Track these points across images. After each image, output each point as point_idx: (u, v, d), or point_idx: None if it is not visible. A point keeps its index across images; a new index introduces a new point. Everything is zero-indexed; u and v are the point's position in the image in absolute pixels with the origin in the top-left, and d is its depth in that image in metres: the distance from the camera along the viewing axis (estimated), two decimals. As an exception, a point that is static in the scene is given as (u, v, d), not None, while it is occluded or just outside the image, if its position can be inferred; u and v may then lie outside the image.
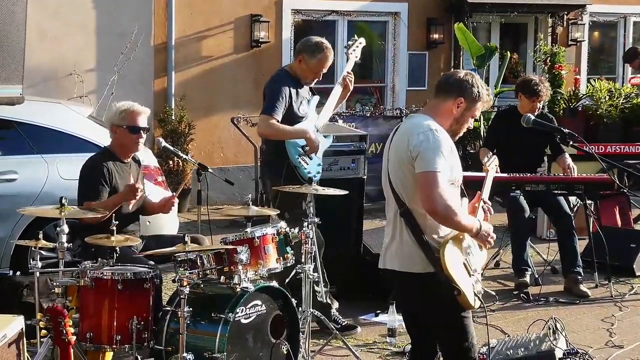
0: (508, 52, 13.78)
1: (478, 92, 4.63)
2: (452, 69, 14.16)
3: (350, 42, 7.48)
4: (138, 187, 6.03)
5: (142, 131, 6.24)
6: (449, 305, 4.52)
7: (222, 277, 5.58)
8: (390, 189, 4.60)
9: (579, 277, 8.19)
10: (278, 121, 6.73)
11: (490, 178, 5.24)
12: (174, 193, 6.52)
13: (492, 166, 5.34)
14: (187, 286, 5.13)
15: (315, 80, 7.07)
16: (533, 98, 8.23)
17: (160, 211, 6.53)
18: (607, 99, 11.91)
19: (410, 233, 4.51)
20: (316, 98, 7.09)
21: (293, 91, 6.85)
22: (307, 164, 6.82)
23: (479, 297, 4.59)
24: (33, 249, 5.44)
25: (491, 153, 5.20)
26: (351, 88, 7.20)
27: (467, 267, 4.58)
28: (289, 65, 7.16)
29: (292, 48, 12.48)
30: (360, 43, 7.47)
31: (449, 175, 4.49)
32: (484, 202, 4.94)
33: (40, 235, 5.50)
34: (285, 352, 5.62)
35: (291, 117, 6.83)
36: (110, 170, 6.13)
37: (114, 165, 6.20)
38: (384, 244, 4.74)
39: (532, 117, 4.96)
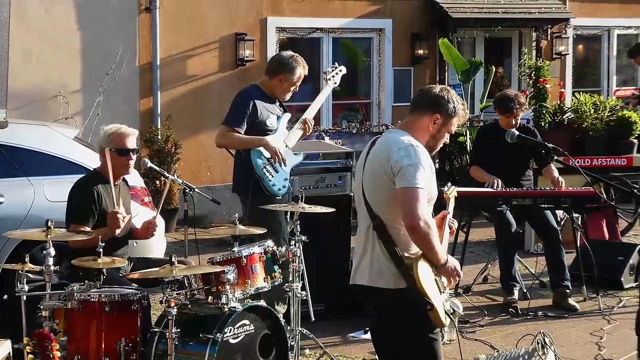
0: (493, 66, 13.80)
1: (454, 107, 4.64)
2: (437, 84, 14.20)
3: (329, 69, 7.52)
4: (118, 212, 6.01)
5: (130, 153, 6.23)
6: (418, 324, 4.50)
7: (210, 297, 5.57)
8: (364, 203, 4.56)
9: (567, 291, 8.20)
10: (240, 133, 6.77)
11: (452, 204, 5.22)
12: (153, 215, 6.47)
13: (452, 195, 5.33)
14: (175, 307, 5.12)
15: (292, 93, 7.12)
16: (507, 114, 8.29)
17: (144, 237, 6.49)
18: (592, 112, 11.94)
19: (383, 247, 4.48)
20: (287, 115, 7.12)
21: (260, 104, 6.89)
22: (273, 176, 6.84)
23: (449, 315, 4.56)
24: (20, 272, 5.40)
25: (450, 185, 5.21)
26: (308, 133, 7.26)
27: (438, 284, 4.55)
28: (261, 81, 7.15)
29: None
30: (340, 70, 7.52)
31: (428, 191, 4.47)
32: (450, 219, 4.96)
33: (27, 259, 5.47)
34: (274, 372, 5.61)
35: (260, 129, 6.87)
36: (99, 194, 6.11)
37: (102, 187, 6.17)
38: (354, 260, 4.70)
39: (517, 133, 4.99)
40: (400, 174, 4.40)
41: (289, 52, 7.27)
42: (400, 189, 4.41)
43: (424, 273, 4.44)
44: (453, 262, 4.60)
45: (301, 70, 7.03)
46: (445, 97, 4.63)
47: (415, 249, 4.49)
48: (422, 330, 4.53)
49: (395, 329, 4.59)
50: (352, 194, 7.92)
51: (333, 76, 7.45)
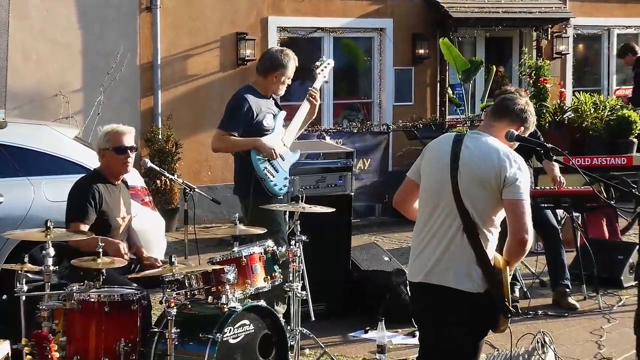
0: (493, 66, 13.79)
1: (533, 121, 4.86)
2: (438, 84, 14.22)
3: (318, 63, 7.44)
4: (126, 254, 5.96)
5: (129, 150, 6.22)
6: (481, 327, 4.62)
7: (210, 297, 5.57)
8: (457, 205, 4.55)
9: (567, 290, 8.21)
10: (235, 136, 6.75)
11: None
12: (159, 264, 6.33)
13: None
14: (175, 307, 5.12)
15: (285, 88, 7.09)
16: None
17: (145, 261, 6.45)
18: (592, 111, 11.94)
19: (473, 250, 4.51)
20: (283, 113, 7.08)
21: (255, 105, 6.85)
22: (274, 177, 6.82)
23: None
24: (19, 272, 5.40)
25: None
26: (317, 103, 7.18)
27: None
28: (254, 80, 7.12)
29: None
30: (329, 64, 7.44)
31: None
32: None
33: (26, 259, 5.47)
34: (274, 372, 5.62)
35: (257, 130, 6.84)
36: (99, 193, 6.11)
37: (104, 187, 6.18)
38: (426, 258, 4.66)
39: (515, 133, 4.98)
40: (513, 185, 4.50)
41: (277, 48, 7.28)
42: (512, 201, 4.51)
43: (508, 280, 4.56)
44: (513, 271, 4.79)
45: (293, 63, 7.00)
46: (531, 111, 4.84)
47: (491, 256, 4.56)
48: (484, 332, 4.65)
49: (457, 330, 4.60)
50: (352, 193, 7.93)
51: (322, 70, 7.39)
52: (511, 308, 4.55)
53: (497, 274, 4.52)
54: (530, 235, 4.51)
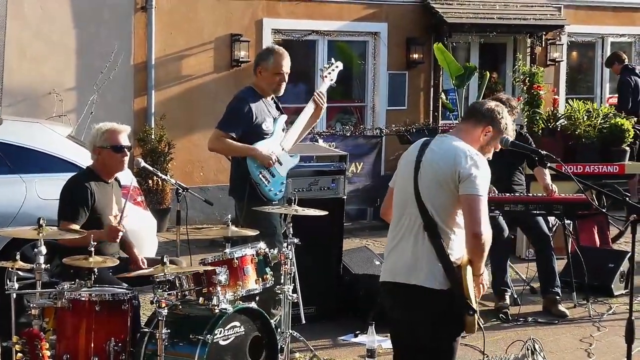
0: (487, 72, 13.82)
1: (506, 124, 4.84)
2: (432, 89, 14.24)
3: (326, 65, 7.42)
4: (120, 229, 6.00)
5: (125, 149, 6.23)
6: (451, 327, 4.61)
7: (201, 298, 5.56)
8: (417, 203, 4.61)
9: (558, 297, 8.21)
10: (233, 138, 6.74)
11: None
12: (144, 265, 6.33)
13: None
14: (165, 307, 5.12)
15: (283, 87, 7.01)
16: None
17: (129, 256, 6.46)
18: (585, 119, 11.96)
19: (434, 249, 4.55)
20: (283, 117, 7.06)
21: (256, 107, 6.82)
22: (269, 182, 6.79)
23: (479, 323, 4.71)
24: (10, 269, 5.39)
25: None
26: (322, 106, 7.15)
27: (474, 291, 4.66)
28: (253, 82, 7.09)
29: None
30: (337, 67, 7.39)
31: None
32: None
33: (18, 256, 5.45)
34: (264, 374, 5.61)
35: (257, 132, 6.82)
36: (92, 191, 6.11)
37: (96, 185, 6.17)
38: (395, 257, 4.71)
39: (510, 139, 4.99)
40: (468, 180, 4.53)
41: (268, 45, 7.24)
42: (467, 195, 4.53)
43: (470, 278, 4.57)
44: (486, 274, 4.76)
45: (278, 58, 6.92)
46: (501, 113, 4.83)
47: (458, 255, 4.58)
48: (455, 331, 4.65)
49: (427, 330, 4.63)
50: (344, 197, 7.93)
51: (329, 73, 7.35)
52: (472, 306, 4.53)
53: (457, 271, 4.54)
54: (485, 230, 4.49)
